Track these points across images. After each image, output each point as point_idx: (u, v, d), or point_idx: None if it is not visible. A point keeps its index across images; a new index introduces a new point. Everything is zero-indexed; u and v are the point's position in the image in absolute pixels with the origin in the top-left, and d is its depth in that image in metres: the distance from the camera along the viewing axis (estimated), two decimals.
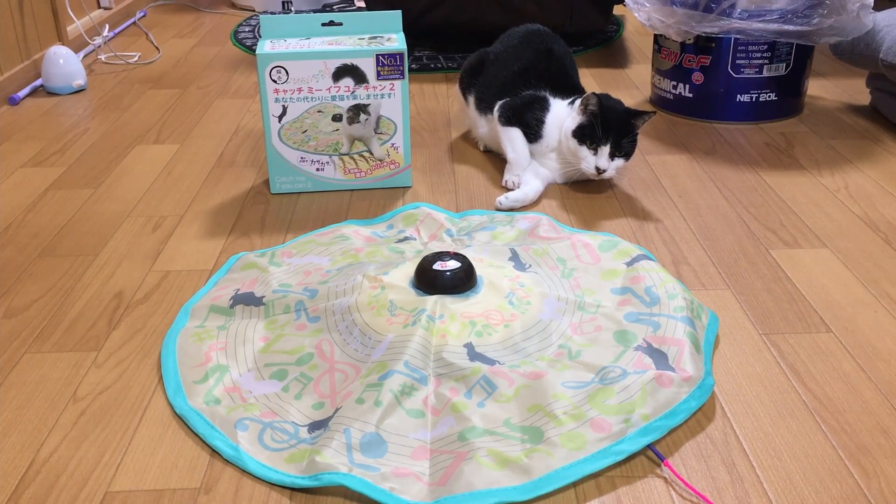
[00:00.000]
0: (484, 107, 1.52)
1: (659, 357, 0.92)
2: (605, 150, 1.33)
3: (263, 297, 1.05)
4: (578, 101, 1.36)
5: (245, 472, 0.82)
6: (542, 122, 1.41)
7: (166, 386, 0.93)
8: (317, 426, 0.86)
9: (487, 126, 1.53)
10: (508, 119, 1.44)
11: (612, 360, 0.93)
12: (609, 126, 1.32)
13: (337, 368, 0.94)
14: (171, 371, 0.95)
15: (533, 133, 1.42)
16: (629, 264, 1.10)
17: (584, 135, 1.34)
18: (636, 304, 1.02)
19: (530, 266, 1.11)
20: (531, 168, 1.42)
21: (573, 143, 1.35)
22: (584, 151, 1.34)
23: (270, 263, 1.15)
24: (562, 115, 1.40)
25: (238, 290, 1.08)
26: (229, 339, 1.00)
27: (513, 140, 1.43)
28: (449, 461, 0.80)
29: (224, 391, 0.91)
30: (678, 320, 0.97)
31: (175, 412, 0.90)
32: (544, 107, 1.42)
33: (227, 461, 0.83)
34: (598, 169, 1.34)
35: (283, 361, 0.96)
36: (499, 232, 1.23)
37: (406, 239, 1.22)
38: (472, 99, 1.57)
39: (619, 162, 1.34)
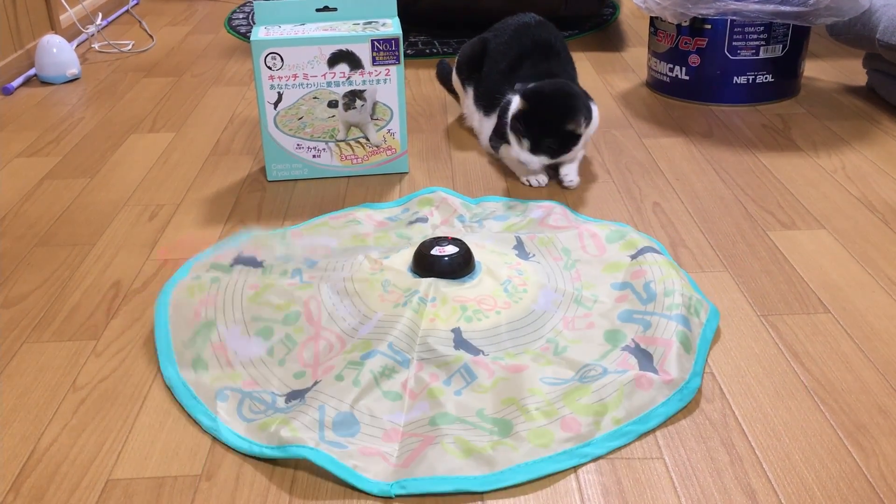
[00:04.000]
0: (480, 105, 1.52)
1: (644, 358, 0.91)
2: (526, 144, 1.33)
3: (264, 261, 1.07)
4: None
5: (228, 446, 0.82)
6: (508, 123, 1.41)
7: (158, 349, 0.95)
8: (294, 396, 0.87)
9: (480, 123, 1.52)
10: (497, 147, 1.45)
11: (595, 358, 0.92)
12: (531, 125, 1.32)
13: (322, 336, 0.94)
14: (163, 332, 0.97)
15: (506, 138, 1.42)
16: (633, 257, 1.09)
17: (514, 124, 1.34)
18: (632, 300, 1.01)
19: (534, 255, 1.11)
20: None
21: (510, 127, 1.36)
22: (513, 139, 1.35)
23: (280, 241, 1.16)
24: (516, 101, 1.39)
25: (241, 252, 1.09)
26: (220, 291, 1.01)
27: (508, 157, 1.43)
28: (416, 444, 0.80)
29: (211, 351, 0.93)
30: (670, 319, 0.95)
31: (166, 385, 0.92)
32: (507, 109, 1.42)
33: (212, 436, 0.83)
34: (519, 159, 1.34)
35: (270, 318, 0.97)
36: (511, 223, 1.22)
37: (418, 220, 1.22)
38: (470, 91, 1.56)
39: (543, 158, 1.33)
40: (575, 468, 0.80)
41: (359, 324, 0.95)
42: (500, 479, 0.77)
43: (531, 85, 1.35)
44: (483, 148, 1.52)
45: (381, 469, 0.78)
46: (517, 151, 1.34)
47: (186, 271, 1.07)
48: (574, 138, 1.33)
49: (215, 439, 0.84)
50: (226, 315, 0.97)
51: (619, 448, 0.82)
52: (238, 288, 1.01)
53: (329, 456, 0.78)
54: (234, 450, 0.83)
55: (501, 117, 1.43)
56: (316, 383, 0.87)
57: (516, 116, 1.34)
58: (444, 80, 1.82)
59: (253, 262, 1.07)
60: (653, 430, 0.84)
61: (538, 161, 1.34)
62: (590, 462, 0.80)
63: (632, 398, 0.85)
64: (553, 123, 1.31)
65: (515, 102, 1.38)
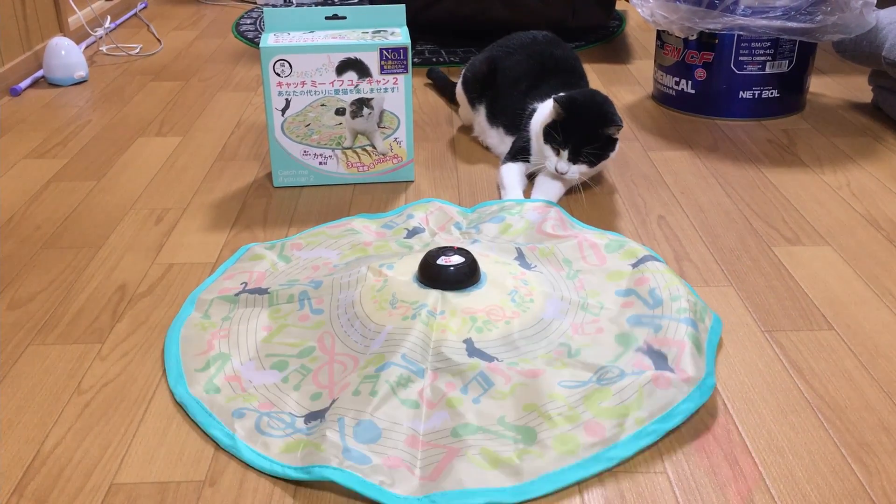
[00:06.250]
0: (498, 123, 1.51)
1: (658, 358, 0.91)
2: (565, 154, 1.32)
3: (269, 288, 1.06)
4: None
5: (246, 464, 0.82)
6: (529, 138, 1.40)
7: (168, 373, 0.93)
8: (313, 417, 0.86)
9: (498, 138, 1.52)
10: (505, 160, 1.43)
11: (611, 360, 0.93)
12: (570, 133, 1.31)
13: (336, 360, 0.94)
14: (174, 359, 0.96)
15: (525, 155, 1.40)
16: (635, 265, 1.09)
17: (550, 134, 1.33)
18: (639, 306, 1.01)
19: (535, 266, 1.11)
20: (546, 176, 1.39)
21: (541, 139, 1.35)
22: (548, 150, 1.34)
23: (279, 258, 1.15)
24: (544, 112, 1.39)
25: (246, 284, 1.09)
26: (232, 326, 1.00)
27: (501, 176, 1.40)
28: (441, 456, 0.80)
29: (224, 380, 0.92)
30: (680, 321, 0.96)
31: (175, 400, 0.90)
32: (530, 120, 1.41)
33: (228, 452, 0.83)
34: (557, 170, 1.34)
35: (285, 353, 0.96)
36: (507, 223, 1.22)
37: (415, 230, 1.22)
38: (482, 109, 1.56)
39: (581, 167, 1.33)
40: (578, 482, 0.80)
41: (370, 341, 0.95)
42: (530, 490, 0.77)
43: (562, 94, 1.35)
44: (493, 146, 1.53)
45: (408, 484, 0.77)
46: (553, 163, 1.33)
47: (192, 306, 1.05)
48: (611, 143, 1.34)
49: (220, 446, 0.84)
50: (240, 352, 0.96)
51: (628, 458, 0.82)
52: (252, 328, 1.00)
53: (354, 475, 0.77)
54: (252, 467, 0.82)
55: (524, 130, 1.42)
56: (334, 402, 0.87)
57: (551, 126, 1.33)
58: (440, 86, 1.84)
59: (258, 290, 1.06)
60: (655, 443, 0.84)
61: (577, 170, 1.33)
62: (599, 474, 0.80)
63: (653, 397, 0.85)
64: (593, 129, 1.31)
65: (545, 112, 1.37)
